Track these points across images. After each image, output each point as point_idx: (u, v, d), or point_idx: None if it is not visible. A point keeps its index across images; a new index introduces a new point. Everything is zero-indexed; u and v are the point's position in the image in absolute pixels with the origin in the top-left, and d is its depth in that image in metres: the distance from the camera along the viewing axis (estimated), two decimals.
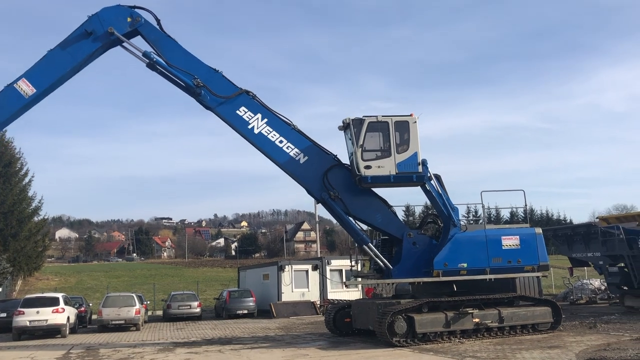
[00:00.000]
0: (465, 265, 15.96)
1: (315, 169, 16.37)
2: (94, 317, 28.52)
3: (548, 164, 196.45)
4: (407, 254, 16.15)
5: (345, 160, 16.78)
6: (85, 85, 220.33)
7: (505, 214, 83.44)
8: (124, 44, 16.19)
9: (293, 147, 16.38)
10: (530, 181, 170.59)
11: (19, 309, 21.83)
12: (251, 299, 31.75)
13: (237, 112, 16.30)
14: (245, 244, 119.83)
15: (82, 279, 61.93)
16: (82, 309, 28.06)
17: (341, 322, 18.21)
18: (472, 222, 29.96)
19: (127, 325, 25.04)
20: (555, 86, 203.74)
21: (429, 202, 17.26)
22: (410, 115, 16.29)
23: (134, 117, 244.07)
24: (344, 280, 29.59)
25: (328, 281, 31.30)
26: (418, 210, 59.19)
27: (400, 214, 17.50)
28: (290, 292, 31.85)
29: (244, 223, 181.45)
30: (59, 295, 23.63)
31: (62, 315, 22.02)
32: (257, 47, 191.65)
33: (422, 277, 16.02)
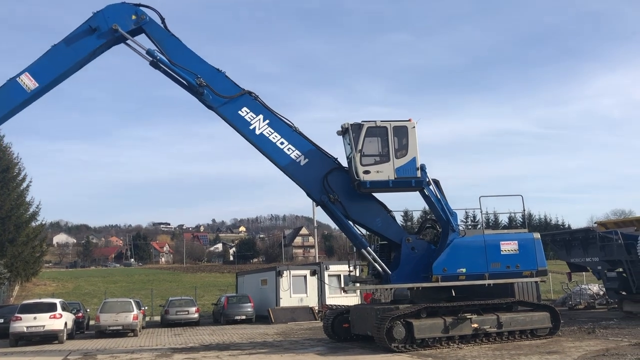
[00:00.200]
0: (464, 270, 15.94)
1: (316, 172, 16.34)
2: (92, 322, 28.42)
3: (546, 169, 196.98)
4: (405, 259, 16.13)
5: (345, 164, 16.78)
6: (83, 91, 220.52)
7: (503, 219, 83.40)
8: (128, 41, 16.15)
9: (294, 149, 16.37)
10: (528, 186, 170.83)
11: (16, 315, 21.76)
12: (249, 304, 31.69)
13: (239, 112, 16.29)
14: (244, 249, 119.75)
15: (79, 285, 61.81)
16: (80, 314, 27.96)
17: (340, 328, 18.16)
18: (470, 227, 30.01)
19: (124, 331, 24.95)
20: (553, 91, 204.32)
21: (427, 207, 17.25)
22: (409, 120, 16.31)
23: (132, 122, 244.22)
24: (342, 285, 29.54)
25: (326, 286, 31.24)
26: (416, 215, 59.14)
27: (399, 219, 17.46)
28: (288, 298, 31.77)
29: (242, 228, 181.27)
30: (57, 301, 23.55)
31: (60, 321, 21.95)
32: (256, 52, 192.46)
33: (421, 282, 16.01)
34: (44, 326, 21.50)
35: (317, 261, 40.76)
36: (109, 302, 26.45)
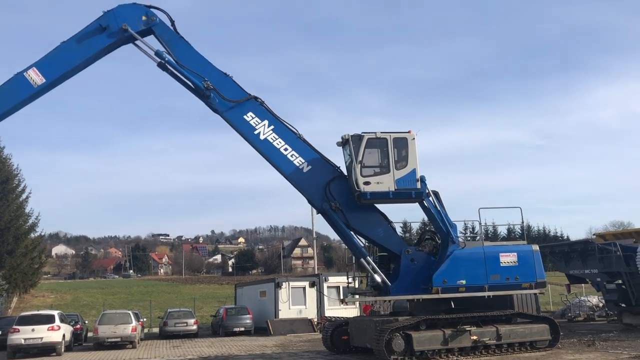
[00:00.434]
0: (464, 282, 15.94)
1: (318, 179, 16.36)
2: (90, 334, 28.33)
3: (545, 180, 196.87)
4: (405, 271, 16.11)
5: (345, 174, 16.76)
6: (83, 101, 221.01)
7: (502, 230, 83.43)
8: (137, 42, 16.16)
9: (297, 155, 16.40)
10: (527, 197, 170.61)
11: (14, 327, 21.67)
12: (248, 316, 31.59)
13: (245, 117, 16.34)
14: (243, 260, 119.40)
15: (78, 296, 61.58)
16: (78, 326, 27.87)
17: (339, 340, 18.10)
18: (469, 238, 29.97)
19: (123, 343, 24.86)
20: (552, 103, 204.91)
21: (426, 219, 17.25)
22: (409, 131, 16.38)
23: (131, 133, 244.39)
24: (342, 297, 29.47)
25: (325, 298, 31.17)
26: (415, 226, 59.15)
27: (398, 230, 17.46)
28: (287, 309, 31.70)
29: (241, 239, 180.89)
30: (55, 312, 23.49)
31: (58, 333, 21.87)
32: (256, 64, 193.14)
33: (421, 293, 15.97)
34: (42, 338, 21.41)
35: (316, 272, 40.69)
36: (108, 314, 26.37)
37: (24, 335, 21.31)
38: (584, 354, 15.53)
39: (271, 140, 16.34)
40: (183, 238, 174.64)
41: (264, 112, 16.49)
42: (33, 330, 21.41)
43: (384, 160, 16.12)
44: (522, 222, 18.32)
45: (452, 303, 16.82)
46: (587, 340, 18.65)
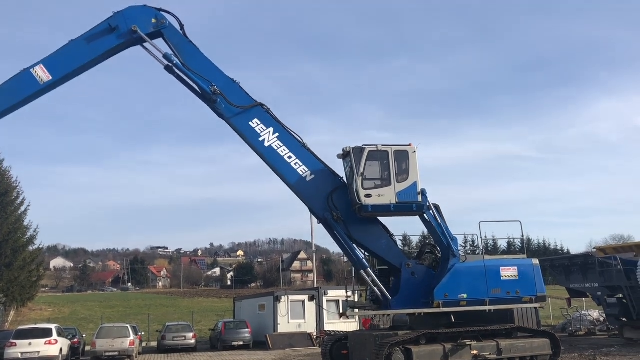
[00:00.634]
0: (465, 296, 15.81)
1: (321, 189, 16.27)
2: (88, 348, 28.10)
3: (545, 193, 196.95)
4: (405, 284, 15.98)
5: None
6: (82, 114, 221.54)
7: (502, 244, 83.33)
8: (145, 44, 16.10)
9: (301, 164, 16.33)
10: (527, 210, 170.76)
11: (11, 341, 21.54)
12: (247, 330, 31.42)
13: (250, 123, 16.28)
14: (241, 273, 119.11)
15: (76, 310, 61.30)
16: (76, 340, 27.67)
17: (338, 354, 17.92)
18: (469, 252, 29.90)
19: (121, 357, 24.67)
20: (550, 116, 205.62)
21: (426, 232, 17.18)
22: (409, 145, 16.36)
23: (131, 145, 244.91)
24: (341, 311, 29.31)
25: (325, 312, 31.00)
26: (415, 240, 59.04)
27: (398, 244, 17.38)
28: (286, 323, 31.52)
29: (240, 252, 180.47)
30: (52, 326, 23.35)
31: (55, 347, 21.73)
32: (255, 77, 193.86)
33: (421, 307, 15.84)
34: (39, 352, 21.27)
35: (316, 286, 40.51)
36: (106, 328, 26.21)
37: (21, 349, 21.17)
38: None
39: (275, 148, 16.28)
40: (182, 251, 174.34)
41: (270, 119, 16.46)
42: (30, 344, 21.29)
43: (385, 173, 16.05)
44: (522, 236, 18.26)
45: (452, 317, 16.72)
46: (589, 355, 18.54)
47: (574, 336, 28.75)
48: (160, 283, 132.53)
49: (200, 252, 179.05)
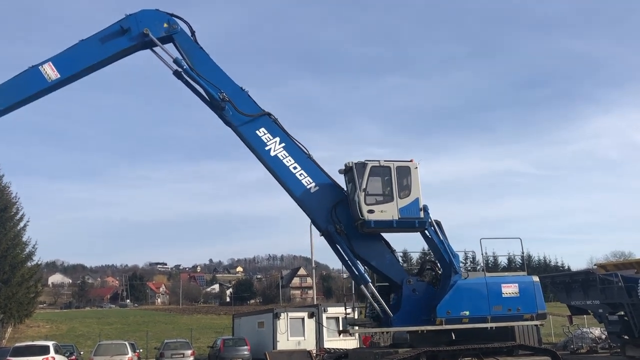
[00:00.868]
0: (467, 313, 15.68)
1: (325, 201, 16.21)
2: None
3: (545, 209, 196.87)
4: (406, 301, 15.84)
5: None
6: (81, 130, 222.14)
7: (502, 260, 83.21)
8: (155, 48, 16.12)
9: (306, 175, 16.28)
10: (527, 227, 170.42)
11: (8, 358, 21.38)
12: (246, 347, 31.18)
13: (257, 132, 16.28)
14: (241, 290, 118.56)
15: (73, 326, 60.89)
16: (73, 357, 27.47)
17: None
18: (469, 268, 29.77)
19: None
20: (549, 133, 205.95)
21: (426, 248, 17.10)
22: (411, 161, 16.36)
23: (130, 162, 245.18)
24: (341, 328, 29.12)
25: (324, 329, 30.78)
26: (415, 256, 58.90)
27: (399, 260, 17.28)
28: (285, 341, 31.28)
29: (239, 268, 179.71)
30: (50, 343, 23.19)
31: None
32: (255, 93, 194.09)
33: (422, 324, 15.71)
34: None
35: (315, 303, 40.30)
36: (103, 345, 26.07)
37: None
38: None
39: (281, 158, 16.26)
40: (181, 267, 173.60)
41: (277, 129, 16.45)
42: None
43: (387, 189, 16.01)
44: (522, 253, 18.19)
45: (452, 334, 16.59)
46: None
47: (575, 354, 28.53)
48: (159, 299, 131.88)
49: (199, 268, 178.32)
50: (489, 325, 15.88)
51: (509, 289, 16.12)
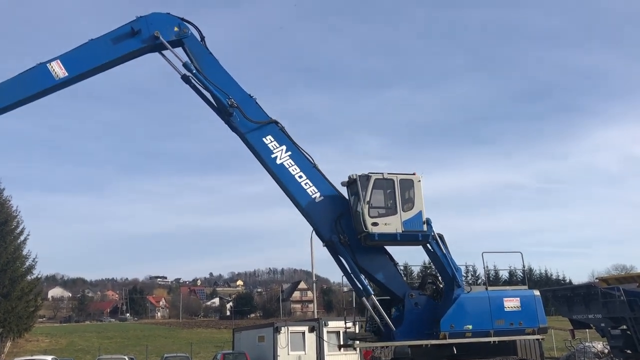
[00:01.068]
0: (470, 327, 15.58)
1: (329, 211, 16.12)
2: None
3: (546, 223, 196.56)
4: (409, 315, 15.73)
5: None
6: (82, 144, 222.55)
7: (503, 274, 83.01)
8: (164, 51, 16.09)
9: (311, 184, 16.21)
10: (528, 240, 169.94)
11: None
12: None
13: (264, 139, 16.25)
14: (241, 303, 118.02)
15: (73, 340, 60.57)
16: None
17: None
18: (471, 282, 29.72)
19: None
20: (549, 146, 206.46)
21: (427, 261, 17.04)
22: (414, 174, 16.34)
23: (130, 175, 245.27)
24: (342, 342, 28.95)
25: (325, 343, 30.59)
26: (416, 270, 58.74)
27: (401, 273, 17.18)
28: (286, 355, 31.04)
29: (239, 282, 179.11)
30: (49, 357, 23.17)
31: None
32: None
33: (424, 339, 15.61)
34: None
35: (316, 317, 40.09)
36: (103, 359, 25.91)
37: None
38: None
39: (287, 166, 16.21)
40: (181, 280, 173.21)
41: (283, 137, 16.42)
42: None
43: (390, 202, 15.94)
44: (523, 267, 18.13)
45: (454, 349, 16.48)
46: None
47: None
48: (158, 313, 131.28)
49: (199, 282, 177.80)
50: (491, 339, 15.80)
51: (511, 303, 16.06)
